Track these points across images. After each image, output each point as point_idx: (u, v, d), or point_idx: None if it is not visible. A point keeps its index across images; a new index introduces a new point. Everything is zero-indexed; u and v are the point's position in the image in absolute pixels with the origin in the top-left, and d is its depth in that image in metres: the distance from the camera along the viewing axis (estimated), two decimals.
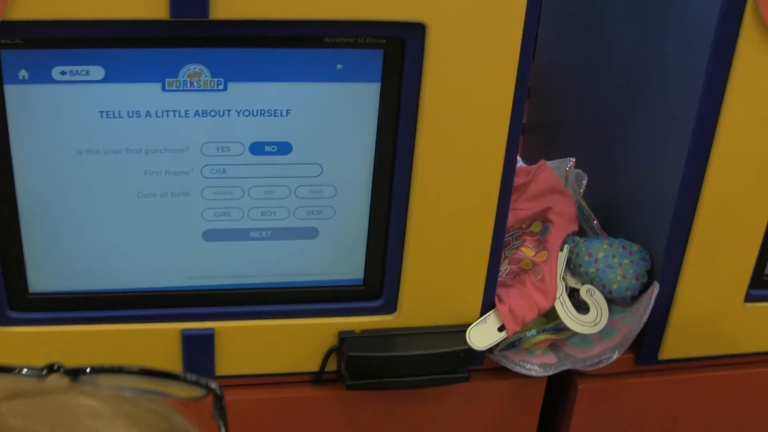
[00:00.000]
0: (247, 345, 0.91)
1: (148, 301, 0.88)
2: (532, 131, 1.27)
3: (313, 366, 0.93)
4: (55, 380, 0.44)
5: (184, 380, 0.46)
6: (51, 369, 0.44)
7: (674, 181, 0.89)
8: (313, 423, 0.97)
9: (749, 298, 0.97)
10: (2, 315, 0.86)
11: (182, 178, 0.83)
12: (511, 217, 0.95)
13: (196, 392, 0.46)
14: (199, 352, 0.89)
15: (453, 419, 1.00)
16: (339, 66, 0.80)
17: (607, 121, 1.07)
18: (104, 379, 0.44)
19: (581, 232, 1.05)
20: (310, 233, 0.88)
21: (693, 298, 0.95)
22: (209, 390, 0.46)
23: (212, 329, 0.88)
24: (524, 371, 0.95)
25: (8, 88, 0.76)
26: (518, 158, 0.99)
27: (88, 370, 0.44)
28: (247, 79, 0.79)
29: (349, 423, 0.98)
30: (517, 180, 1.00)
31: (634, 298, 0.97)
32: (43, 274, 0.86)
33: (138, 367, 0.45)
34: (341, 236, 0.89)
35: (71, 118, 0.78)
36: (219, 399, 0.46)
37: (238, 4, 0.73)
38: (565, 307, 0.95)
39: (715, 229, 0.91)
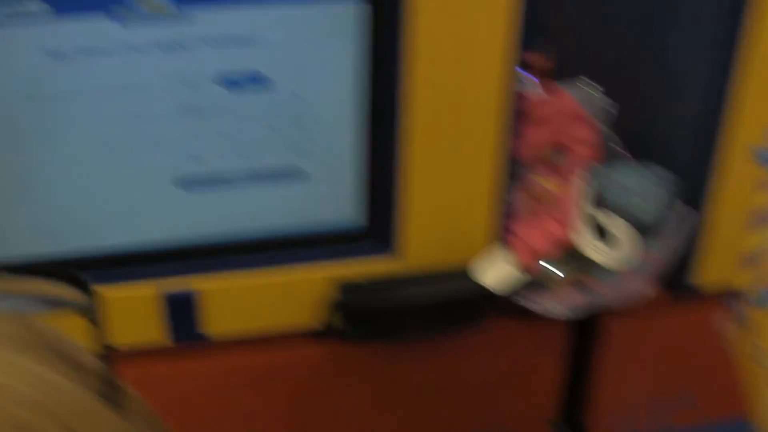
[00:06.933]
0: (235, 302, 0.83)
1: (122, 260, 0.80)
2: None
3: (313, 322, 0.85)
4: None
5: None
6: None
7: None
8: (312, 385, 0.90)
9: None
10: None
11: (148, 121, 0.75)
12: (524, 147, 0.88)
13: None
14: (183, 313, 0.81)
15: (469, 371, 0.93)
16: None
17: (630, 38, 0.98)
18: None
19: (605, 160, 0.96)
20: (299, 175, 0.80)
21: (727, 226, 0.88)
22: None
23: (195, 289, 0.81)
24: (549, 314, 0.87)
25: None
26: (535, 83, 0.92)
27: None
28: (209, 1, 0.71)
29: (352, 383, 0.91)
30: (529, 105, 0.92)
31: (667, 228, 0.90)
32: None
33: None
34: (333, 176, 0.81)
35: (15, 60, 0.70)
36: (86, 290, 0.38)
37: None
38: (587, 239, 0.88)
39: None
